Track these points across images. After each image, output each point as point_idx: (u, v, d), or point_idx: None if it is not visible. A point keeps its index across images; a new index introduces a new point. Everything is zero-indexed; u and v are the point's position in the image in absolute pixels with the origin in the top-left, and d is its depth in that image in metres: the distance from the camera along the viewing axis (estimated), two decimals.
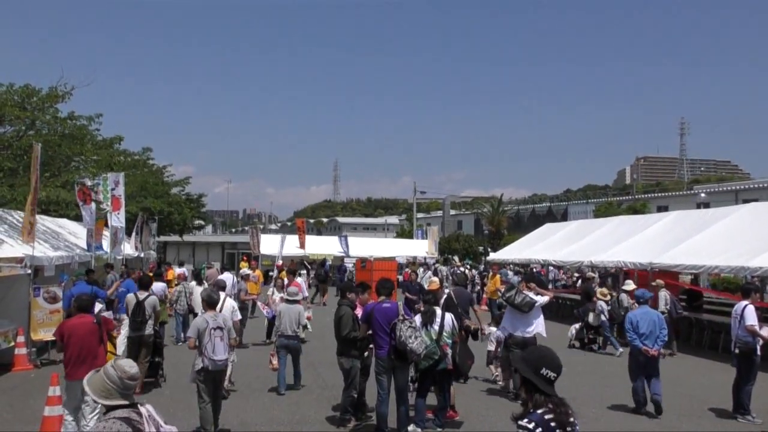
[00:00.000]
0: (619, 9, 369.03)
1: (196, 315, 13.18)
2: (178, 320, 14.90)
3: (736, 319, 9.19)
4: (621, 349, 13.84)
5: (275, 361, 9.83)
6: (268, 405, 9.31)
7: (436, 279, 11.81)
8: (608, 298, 15.41)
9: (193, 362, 7.66)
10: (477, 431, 8.28)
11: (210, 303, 8.09)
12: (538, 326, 9.68)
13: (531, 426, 3.31)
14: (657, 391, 9.15)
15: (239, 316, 10.22)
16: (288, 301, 10.28)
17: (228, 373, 9.49)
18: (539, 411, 3.36)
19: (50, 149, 17.60)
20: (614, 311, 14.93)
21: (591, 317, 15.00)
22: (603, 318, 14.91)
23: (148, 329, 10.23)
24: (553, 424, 3.28)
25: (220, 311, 8.73)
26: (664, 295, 14.73)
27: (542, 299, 9.74)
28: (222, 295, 9.96)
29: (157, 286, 13.16)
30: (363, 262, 28.49)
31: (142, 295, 10.40)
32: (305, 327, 11.23)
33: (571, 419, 3.35)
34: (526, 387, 3.50)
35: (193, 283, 15.50)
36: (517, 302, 9.60)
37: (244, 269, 20.15)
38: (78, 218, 17.02)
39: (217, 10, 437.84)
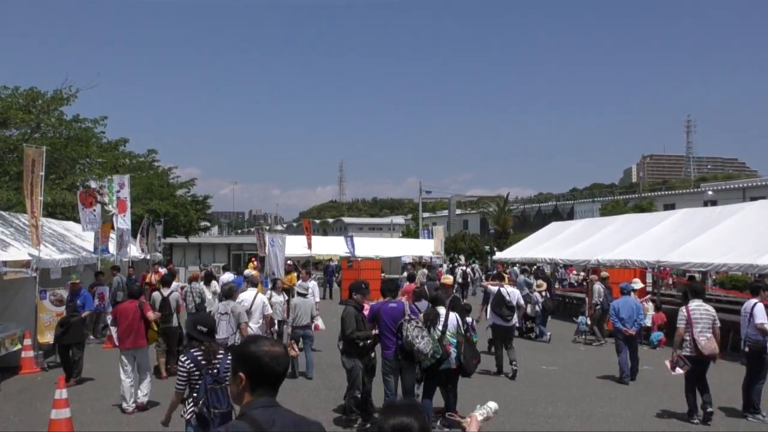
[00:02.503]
0: (625, 7, 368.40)
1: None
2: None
3: (746, 317, 9.14)
4: (549, 333, 16.08)
5: (296, 348, 10.76)
6: None
7: (450, 276, 11.86)
8: (543, 289, 16.69)
9: None
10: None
11: (225, 294, 10.19)
12: (515, 318, 11.94)
13: (183, 359, 5.27)
14: (635, 365, 11.43)
15: (270, 311, 11.29)
16: (300, 295, 11.37)
17: None
18: (193, 350, 5.30)
19: (56, 152, 17.61)
20: (546, 303, 16.34)
21: (529, 308, 16.06)
22: (537, 309, 16.16)
23: (174, 321, 11.55)
24: (200, 358, 5.22)
25: (251, 306, 10.66)
26: (597, 288, 16.02)
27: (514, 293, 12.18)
28: (254, 291, 11.33)
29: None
30: (350, 262, 28.61)
31: (166, 291, 11.79)
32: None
33: (219, 356, 5.28)
34: (189, 337, 5.53)
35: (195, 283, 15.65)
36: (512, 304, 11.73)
37: (249, 270, 20.11)
38: None
39: (222, 13, 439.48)
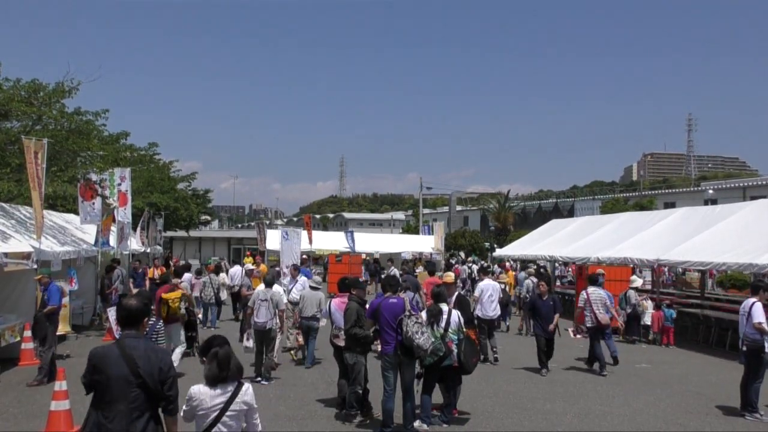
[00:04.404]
0: (626, 4, 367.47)
1: (221, 303, 17.80)
2: (207, 308, 16.80)
3: (744, 316, 9.12)
4: (506, 330, 17.10)
5: (300, 339, 11.57)
6: (274, 401, 9.30)
7: (451, 273, 11.95)
8: (505, 281, 17.71)
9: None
10: (482, 430, 8.24)
11: (266, 282, 10.97)
12: (497, 310, 13.46)
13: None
14: (614, 348, 12.70)
15: (283, 306, 11.50)
16: (312, 288, 11.88)
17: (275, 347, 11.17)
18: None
19: (57, 144, 17.56)
20: (505, 295, 16.96)
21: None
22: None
23: (182, 309, 12.03)
24: None
25: None
26: (527, 282, 17.15)
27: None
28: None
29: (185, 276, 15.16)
30: (338, 257, 28.77)
31: (177, 281, 12.45)
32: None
33: (150, 321, 7.00)
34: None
35: (213, 275, 17.76)
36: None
37: (248, 265, 20.16)
38: None
39: (224, 6, 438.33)
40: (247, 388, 4.20)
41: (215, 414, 4.03)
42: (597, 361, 11.97)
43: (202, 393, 4.08)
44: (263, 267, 20.22)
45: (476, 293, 13.23)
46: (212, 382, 4.09)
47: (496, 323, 16.75)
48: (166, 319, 10.32)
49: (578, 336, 12.41)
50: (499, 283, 16.99)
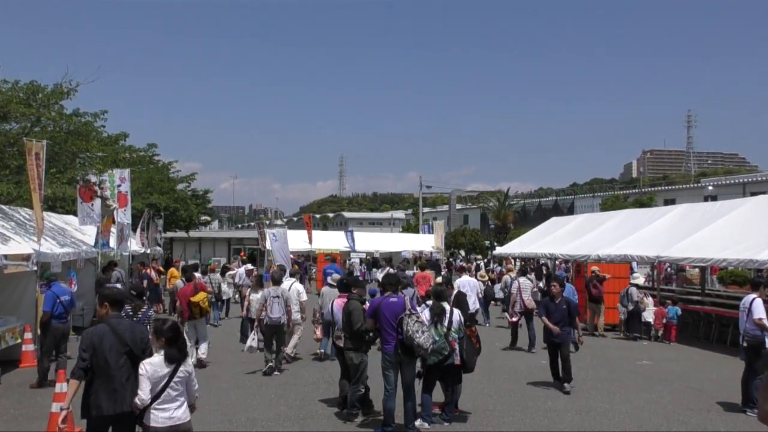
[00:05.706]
0: (626, 4, 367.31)
1: (223, 301, 18.75)
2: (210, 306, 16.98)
3: (744, 312, 9.12)
4: (488, 324, 17.74)
5: (319, 332, 11.71)
6: (275, 401, 9.30)
7: (439, 279, 12.08)
8: (485, 279, 18.96)
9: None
10: (483, 429, 8.24)
11: (274, 280, 11.78)
12: (475, 304, 14.73)
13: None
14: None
15: (305, 298, 12.50)
16: (330, 285, 12.08)
17: (293, 343, 12.12)
18: (126, 305, 7.18)
19: (56, 146, 17.54)
20: (488, 291, 18.61)
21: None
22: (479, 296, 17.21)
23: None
24: (129, 310, 7.65)
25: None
26: (505, 278, 18.66)
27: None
28: (291, 280, 12.84)
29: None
30: (328, 256, 28.96)
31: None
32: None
33: (143, 310, 8.08)
34: (125, 297, 7.42)
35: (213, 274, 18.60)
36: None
37: (248, 265, 20.14)
38: None
39: (224, 7, 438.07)
40: (187, 358, 5.33)
41: (166, 380, 5.07)
42: (529, 341, 13.79)
43: (156, 364, 5.10)
44: (276, 267, 20.09)
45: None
46: (170, 360, 5.11)
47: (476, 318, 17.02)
48: (195, 316, 11.45)
49: (513, 319, 13.96)
50: (479, 280, 17.79)
